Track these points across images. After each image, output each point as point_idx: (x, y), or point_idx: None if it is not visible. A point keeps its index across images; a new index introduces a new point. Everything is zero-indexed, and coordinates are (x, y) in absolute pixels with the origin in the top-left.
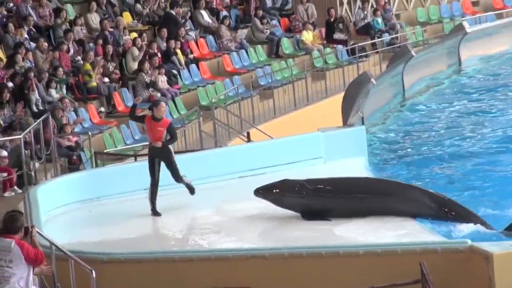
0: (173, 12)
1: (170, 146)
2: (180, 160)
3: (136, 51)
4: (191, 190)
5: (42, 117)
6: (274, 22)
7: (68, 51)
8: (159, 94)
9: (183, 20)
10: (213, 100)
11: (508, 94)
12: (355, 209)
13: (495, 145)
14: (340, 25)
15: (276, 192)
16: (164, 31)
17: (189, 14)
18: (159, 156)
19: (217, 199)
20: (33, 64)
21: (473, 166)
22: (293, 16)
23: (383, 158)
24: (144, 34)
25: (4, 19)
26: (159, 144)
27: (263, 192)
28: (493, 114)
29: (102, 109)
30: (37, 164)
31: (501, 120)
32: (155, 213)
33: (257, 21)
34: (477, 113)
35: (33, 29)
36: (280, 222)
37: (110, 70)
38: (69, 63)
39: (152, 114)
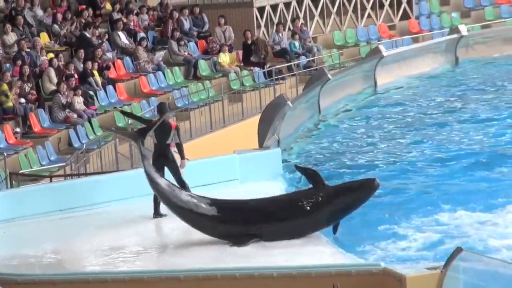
0: (87, 33)
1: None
2: (96, 181)
3: (52, 72)
4: None
5: None
6: (191, 44)
7: None
8: (75, 115)
9: (100, 41)
10: (129, 122)
11: (423, 117)
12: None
13: (408, 165)
14: (256, 48)
15: None
16: (81, 52)
17: (106, 36)
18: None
19: (134, 219)
20: None
21: (388, 181)
22: (210, 38)
23: (299, 180)
24: (61, 55)
25: None
26: None
27: None
28: (408, 136)
29: (18, 129)
30: None
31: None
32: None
33: (174, 43)
34: (393, 133)
35: None
36: (193, 242)
37: (27, 90)
38: None
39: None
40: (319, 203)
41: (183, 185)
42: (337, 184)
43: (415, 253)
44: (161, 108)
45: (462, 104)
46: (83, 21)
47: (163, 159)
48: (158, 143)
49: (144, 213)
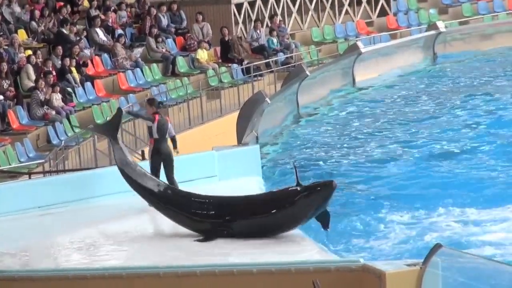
0: (64, 30)
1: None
2: (73, 178)
3: (30, 69)
4: None
5: None
6: (169, 41)
7: None
8: (53, 112)
9: (78, 38)
10: (107, 118)
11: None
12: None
13: (386, 161)
14: (233, 47)
15: None
16: (59, 49)
17: (84, 33)
18: None
19: (112, 217)
20: None
21: (364, 176)
22: (188, 35)
23: (277, 176)
24: (39, 52)
25: None
26: None
27: None
28: (385, 132)
29: None
30: None
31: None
32: None
33: (152, 40)
34: (370, 129)
35: None
36: (171, 239)
37: (5, 87)
38: None
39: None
40: (284, 204)
41: (171, 182)
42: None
43: (395, 249)
44: (154, 102)
45: (440, 100)
46: (61, 18)
47: (160, 153)
48: (159, 138)
49: (123, 209)
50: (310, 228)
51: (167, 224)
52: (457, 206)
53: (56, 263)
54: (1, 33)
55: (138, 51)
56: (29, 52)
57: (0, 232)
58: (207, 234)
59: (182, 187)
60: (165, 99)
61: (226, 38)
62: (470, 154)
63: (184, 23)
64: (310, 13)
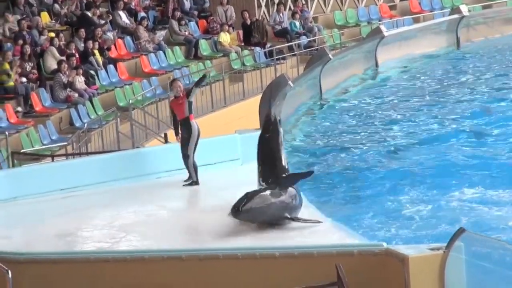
0: (88, 13)
1: (195, 125)
2: (97, 161)
3: (55, 51)
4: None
5: None
6: (192, 23)
7: None
8: (76, 95)
9: (103, 21)
10: (130, 101)
11: (423, 97)
12: None
13: (409, 145)
14: (255, 30)
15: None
16: (82, 32)
17: (110, 16)
18: (184, 131)
19: (136, 199)
20: None
21: (386, 161)
22: (211, 18)
23: (300, 159)
24: (62, 34)
25: None
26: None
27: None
28: (408, 116)
29: (19, 108)
30: None
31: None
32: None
33: (175, 23)
34: (393, 115)
35: None
36: (203, 222)
37: (28, 70)
38: None
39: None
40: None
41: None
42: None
43: (418, 233)
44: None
45: (464, 84)
46: (84, 0)
47: (187, 130)
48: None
49: (146, 192)
50: (332, 211)
51: (189, 207)
52: (485, 190)
53: (79, 246)
54: (24, 15)
55: (161, 34)
56: (52, 34)
57: (24, 215)
58: None
59: (205, 170)
60: (187, 82)
61: (248, 22)
62: (492, 137)
63: (207, 5)
64: None
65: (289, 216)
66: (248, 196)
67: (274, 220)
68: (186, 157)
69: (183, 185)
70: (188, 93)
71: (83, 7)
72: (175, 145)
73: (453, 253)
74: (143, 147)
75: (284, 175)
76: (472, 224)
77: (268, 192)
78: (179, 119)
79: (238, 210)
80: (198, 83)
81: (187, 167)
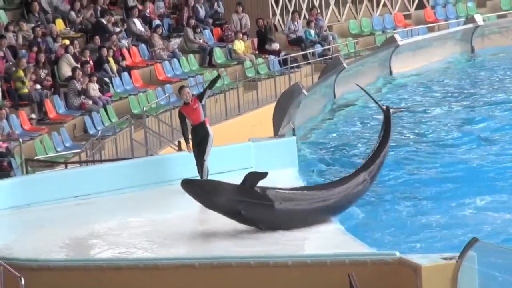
0: (103, 20)
1: (210, 131)
2: (110, 168)
3: (70, 58)
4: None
5: None
6: (207, 31)
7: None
8: (90, 102)
9: (118, 29)
10: (144, 109)
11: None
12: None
13: (422, 153)
14: (271, 34)
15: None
16: (97, 39)
17: (125, 25)
18: (199, 135)
19: (147, 207)
20: None
21: (400, 170)
22: (226, 26)
23: (314, 168)
24: (76, 42)
25: None
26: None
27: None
28: (424, 124)
29: (34, 115)
30: None
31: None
32: None
33: (190, 31)
34: (409, 123)
35: None
36: (213, 231)
37: (42, 77)
38: (2, 70)
39: (183, 101)
40: None
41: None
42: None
43: (432, 242)
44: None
45: (478, 93)
46: (99, 8)
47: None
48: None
49: (159, 200)
50: (347, 221)
51: (202, 215)
52: (495, 199)
53: (91, 253)
54: (39, 22)
55: (175, 42)
56: (67, 41)
57: (37, 221)
58: None
59: (218, 177)
60: (201, 90)
61: (262, 30)
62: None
63: (221, 12)
64: (347, 5)
65: (242, 213)
66: (209, 180)
67: (224, 211)
68: (201, 162)
69: None
70: (200, 96)
71: (98, 15)
72: (189, 154)
73: (466, 263)
74: (157, 155)
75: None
76: (486, 234)
77: (227, 185)
78: (194, 124)
79: (186, 182)
80: (211, 85)
81: (201, 173)
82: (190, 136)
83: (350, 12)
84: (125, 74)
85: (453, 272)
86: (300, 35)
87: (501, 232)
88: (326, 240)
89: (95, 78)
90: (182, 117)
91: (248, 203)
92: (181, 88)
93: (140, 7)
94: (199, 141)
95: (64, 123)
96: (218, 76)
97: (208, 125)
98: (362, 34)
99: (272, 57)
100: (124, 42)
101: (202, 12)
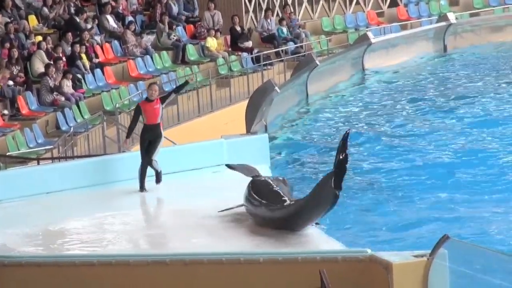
0: (77, 18)
1: (163, 134)
2: (82, 164)
3: (43, 54)
4: (158, 179)
5: None
6: (180, 28)
7: None
8: (63, 98)
9: (90, 26)
10: (117, 105)
11: (408, 104)
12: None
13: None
14: (247, 35)
15: None
16: (69, 35)
17: (96, 21)
18: (152, 135)
19: (121, 204)
20: None
21: (374, 168)
22: (199, 23)
23: (285, 165)
24: (49, 38)
25: None
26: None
27: None
28: (395, 122)
29: (6, 111)
30: None
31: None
32: (142, 190)
33: (162, 27)
34: (380, 120)
35: None
36: (188, 226)
37: (15, 73)
38: None
39: (146, 97)
40: None
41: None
42: None
43: (406, 240)
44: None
45: (451, 93)
46: (72, 4)
47: (156, 136)
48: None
49: (131, 196)
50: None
51: (172, 211)
52: (467, 196)
53: (64, 249)
54: (12, 18)
55: (149, 39)
56: (39, 38)
57: (8, 218)
58: None
59: (190, 175)
60: (174, 87)
61: (239, 28)
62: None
63: (197, 12)
64: (320, 2)
65: None
66: None
67: None
68: (149, 161)
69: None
70: (163, 98)
71: (72, 12)
72: (161, 150)
73: (437, 260)
74: (130, 151)
75: None
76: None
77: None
78: (149, 123)
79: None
80: (177, 89)
81: (143, 172)
82: (138, 134)
83: (323, 10)
84: (98, 70)
85: (424, 269)
86: (273, 32)
87: (473, 229)
88: (299, 237)
89: (71, 76)
90: (138, 111)
91: None
92: (152, 84)
93: (113, 3)
94: (152, 140)
95: (37, 119)
96: (187, 82)
97: (161, 128)
98: (335, 31)
99: (245, 54)
100: (97, 39)
101: (175, 9)
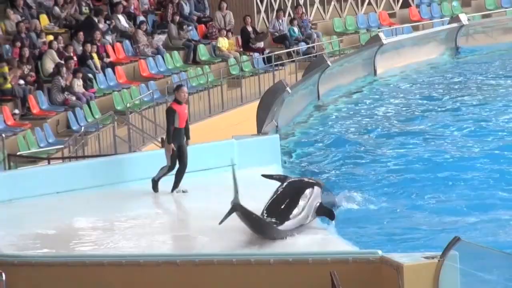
0: (95, 18)
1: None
2: (93, 164)
3: (54, 53)
4: (154, 186)
5: None
6: (191, 28)
7: None
8: (74, 98)
9: (106, 27)
10: (128, 105)
11: (421, 104)
12: None
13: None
14: (262, 37)
15: None
16: (80, 35)
17: (112, 22)
18: (183, 139)
19: (132, 203)
20: None
21: (385, 170)
22: (210, 23)
23: (296, 166)
24: (60, 37)
25: None
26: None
27: None
28: (409, 122)
29: (17, 111)
30: None
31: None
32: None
33: (174, 27)
34: (392, 122)
35: None
36: (198, 227)
37: (26, 72)
38: None
39: (175, 98)
40: None
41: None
42: None
43: (417, 241)
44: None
45: (463, 93)
46: (83, 3)
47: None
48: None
49: (142, 196)
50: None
51: (183, 211)
52: (478, 198)
53: (74, 249)
54: (23, 17)
55: (160, 38)
56: (51, 37)
57: (19, 217)
58: None
59: (201, 176)
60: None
61: (248, 27)
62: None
63: (208, 12)
64: (332, 3)
65: None
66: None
67: None
68: (186, 164)
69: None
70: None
71: (83, 11)
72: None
73: (448, 262)
74: (140, 151)
75: None
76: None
77: None
78: (181, 126)
79: None
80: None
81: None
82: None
83: (334, 10)
84: (109, 70)
85: (435, 271)
86: (285, 33)
87: (484, 231)
88: (310, 238)
89: (80, 74)
90: (173, 114)
91: None
92: (180, 86)
93: (124, 3)
94: (181, 144)
95: (47, 118)
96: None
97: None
98: (346, 32)
99: (256, 54)
100: (108, 38)
101: (186, 9)
